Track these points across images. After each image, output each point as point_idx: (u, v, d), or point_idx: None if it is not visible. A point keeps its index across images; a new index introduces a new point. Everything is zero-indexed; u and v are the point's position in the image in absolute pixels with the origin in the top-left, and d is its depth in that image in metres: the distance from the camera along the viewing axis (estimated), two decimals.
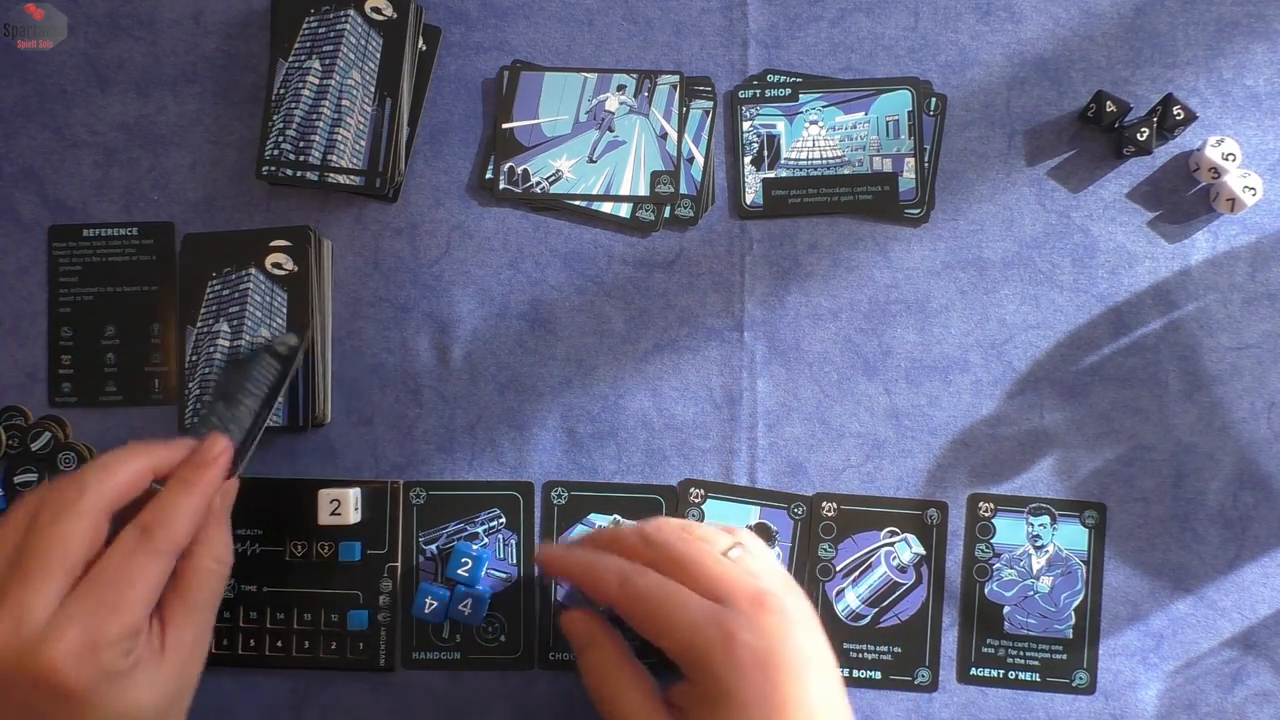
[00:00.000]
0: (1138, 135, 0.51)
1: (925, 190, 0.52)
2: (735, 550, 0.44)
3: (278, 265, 0.52)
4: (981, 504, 0.52)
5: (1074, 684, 0.51)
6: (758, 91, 0.53)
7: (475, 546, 0.51)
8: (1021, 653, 0.51)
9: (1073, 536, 0.52)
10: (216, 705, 0.52)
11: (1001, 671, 0.51)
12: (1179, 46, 0.52)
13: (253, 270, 0.52)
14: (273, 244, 0.52)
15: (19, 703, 0.37)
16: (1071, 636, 0.51)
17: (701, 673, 0.40)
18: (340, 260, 0.53)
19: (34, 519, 0.39)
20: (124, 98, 0.54)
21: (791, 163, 0.53)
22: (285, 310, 0.52)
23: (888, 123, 0.53)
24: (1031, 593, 0.52)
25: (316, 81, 0.51)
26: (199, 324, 0.52)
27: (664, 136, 0.53)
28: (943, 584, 0.52)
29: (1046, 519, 0.52)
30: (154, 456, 0.42)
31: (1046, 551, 0.52)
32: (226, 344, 0.52)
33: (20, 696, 0.37)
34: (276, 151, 0.51)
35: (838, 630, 0.51)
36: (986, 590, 0.52)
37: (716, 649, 0.39)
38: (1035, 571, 0.52)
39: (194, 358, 0.52)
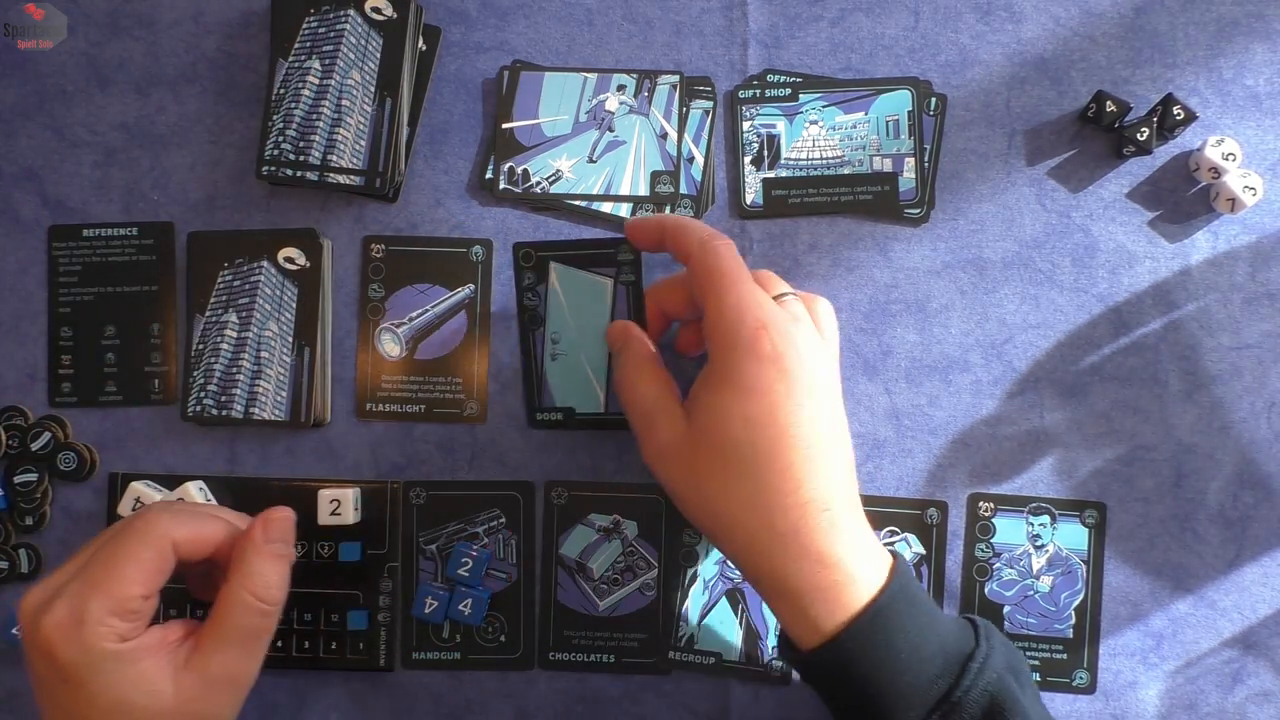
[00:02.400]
0: (1138, 135, 0.51)
1: (925, 190, 0.52)
2: (790, 295, 0.46)
3: (290, 259, 0.52)
4: (981, 504, 0.52)
5: (1074, 684, 0.51)
6: (758, 91, 0.53)
7: (475, 546, 0.51)
8: (1022, 652, 0.51)
9: (1073, 536, 0.52)
10: None
11: None
12: (1179, 46, 0.52)
13: (265, 263, 0.52)
14: (277, 245, 0.52)
15: (38, 676, 0.40)
16: (1071, 636, 0.51)
17: (723, 352, 0.41)
18: (340, 260, 0.53)
19: (114, 536, 0.41)
20: (124, 98, 0.54)
21: (791, 163, 0.53)
22: (295, 304, 0.52)
23: (888, 123, 0.53)
24: (1031, 592, 0.52)
25: (316, 81, 0.51)
26: (208, 313, 0.52)
27: (664, 136, 0.53)
28: (943, 584, 0.52)
29: (1046, 519, 0.52)
30: (232, 530, 0.43)
31: (1046, 551, 0.52)
32: (234, 335, 0.52)
33: (36, 669, 0.40)
34: (276, 151, 0.51)
35: None
36: (986, 590, 0.52)
37: (746, 330, 0.41)
38: (1035, 571, 0.52)
39: (200, 346, 0.52)
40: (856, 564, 0.40)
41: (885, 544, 0.52)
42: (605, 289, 0.52)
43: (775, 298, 0.44)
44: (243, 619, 0.42)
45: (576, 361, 0.51)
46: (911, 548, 0.52)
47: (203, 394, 0.52)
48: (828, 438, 0.41)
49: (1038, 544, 0.52)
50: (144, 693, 0.39)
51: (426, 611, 0.51)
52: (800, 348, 0.41)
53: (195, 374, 0.52)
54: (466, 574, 0.51)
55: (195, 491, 0.50)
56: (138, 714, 0.39)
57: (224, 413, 0.52)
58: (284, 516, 0.44)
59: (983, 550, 0.52)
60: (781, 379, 0.40)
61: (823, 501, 0.40)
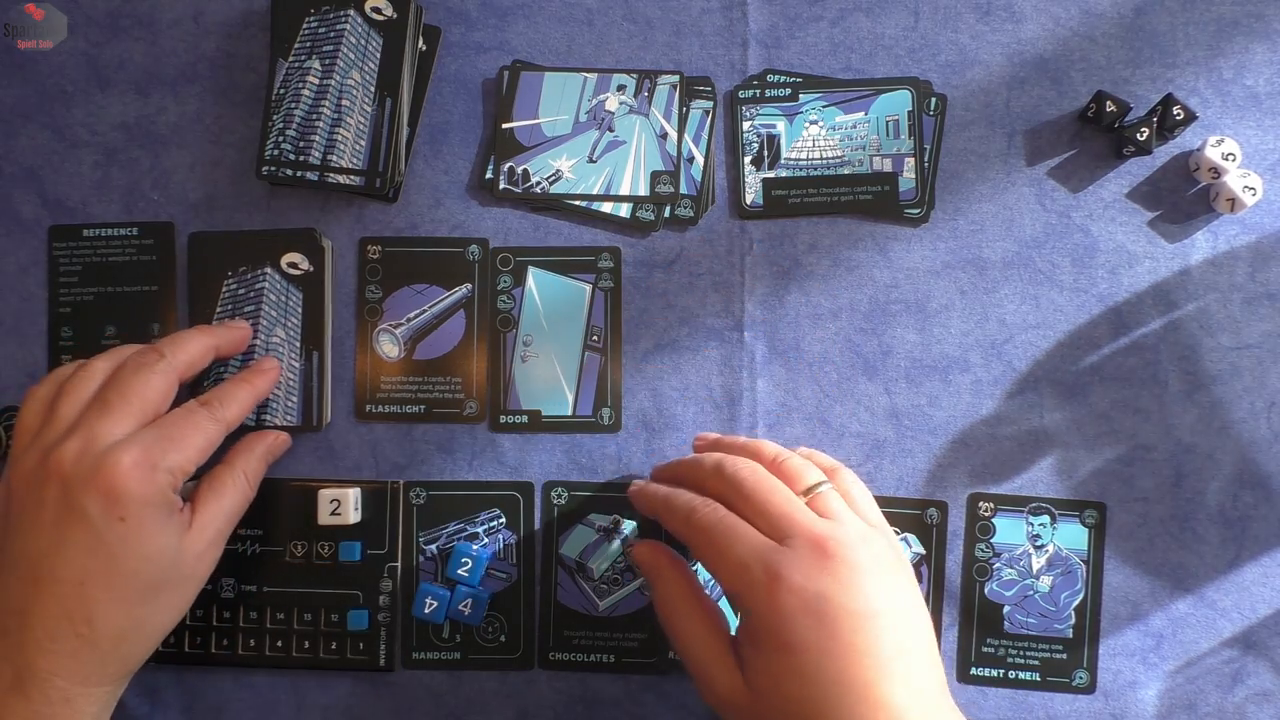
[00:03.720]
0: (1138, 135, 0.51)
1: (925, 190, 0.52)
2: (824, 488, 0.43)
3: (293, 265, 0.52)
4: (981, 504, 0.52)
5: (1074, 684, 0.51)
6: (758, 91, 0.53)
7: (475, 546, 0.51)
8: (1021, 652, 0.51)
9: (1073, 536, 0.52)
10: (216, 705, 0.52)
11: (1001, 671, 0.51)
12: (1179, 46, 0.52)
13: (268, 270, 0.52)
14: (278, 247, 0.52)
15: (82, 510, 0.41)
16: (1071, 636, 0.51)
17: (749, 612, 0.40)
18: (340, 261, 0.53)
19: (117, 370, 0.45)
20: (124, 98, 0.54)
21: (791, 163, 0.53)
22: (300, 310, 0.52)
23: (888, 123, 0.53)
24: (1031, 592, 0.52)
25: (316, 81, 0.51)
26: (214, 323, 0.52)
27: (664, 136, 0.53)
28: (943, 584, 0.52)
29: (1046, 519, 0.52)
30: (217, 337, 0.49)
31: (1046, 551, 0.52)
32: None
33: (84, 502, 0.41)
34: (276, 151, 0.51)
35: None
36: (986, 590, 0.52)
37: (760, 589, 0.39)
38: (1035, 571, 0.52)
39: None
40: None
41: None
42: (584, 294, 0.52)
43: (806, 493, 0.43)
44: (234, 490, 0.47)
45: (548, 364, 0.52)
46: (911, 548, 0.52)
47: None
48: (889, 656, 0.38)
49: (1038, 544, 0.52)
50: (170, 545, 0.43)
51: (426, 611, 0.51)
52: (832, 576, 0.39)
53: (205, 384, 0.52)
54: (466, 574, 0.51)
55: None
56: (161, 561, 0.43)
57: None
58: (285, 441, 0.52)
59: (983, 550, 0.52)
60: (821, 624, 0.38)
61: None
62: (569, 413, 0.52)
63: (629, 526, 0.52)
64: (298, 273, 0.52)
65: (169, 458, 0.43)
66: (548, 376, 0.52)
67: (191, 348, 0.47)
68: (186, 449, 0.44)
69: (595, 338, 0.52)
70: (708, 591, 0.46)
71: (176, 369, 0.46)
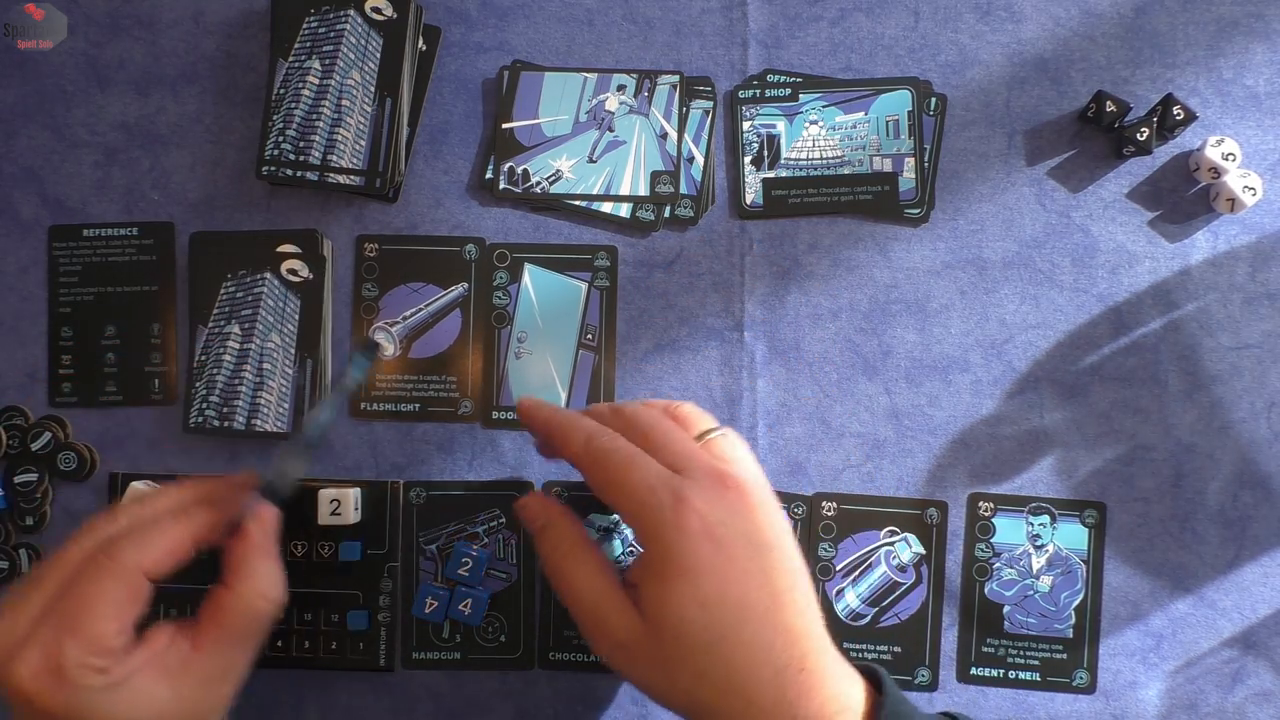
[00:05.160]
0: (1138, 135, 0.51)
1: (925, 190, 0.52)
2: (715, 434, 0.43)
3: (293, 271, 0.52)
4: (981, 503, 0.52)
5: (1074, 684, 0.51)
6: (758, 91, 0.53)
7: (475, 546, 0.51)
8: (1021, 652, 0.51)
9: (1073, 536, 0.52)
10: None
11: (1001, 671, 0.51)
12: (1179, 46, 0.52)
13: (268, 275, 0.52)
14: (281, 249, 0.52)
15: (19, 716, 0.38)
16: (1071, 636, 0.51)
17: (651, 539, 0.39)
18: (340, 260, 0.53)
19: (72, 573, 0.39)
20: (124, 98, 0.54)
21: (791, 163, 0.53)
22: (298, 316, 0.52)
23: (888, 123, 0.53)
24: (1031, 592, 0.52)
25: (316, 81, 0.51)
26: (210, 324, 0.52)
27: (664, 136, 0.53)
28: (943, 584, 0.52)
29: (1046, 518, 0.52)
30: (196, 526, 0.42)
31: (1046, 551, 0.52)
32: (237, 346, 0.52)
33: (21, 714, 0.38)
34: (276, 151, 0.51)
35: (837, 630, 0.51)
36: (986, 590, 0.52)
37: (667, 512, 0.38)
38: (1035, 571, 0.52)
39: (203, 358, 0.52)
40: (840, 705, 0.39)
41: (885, 544, 0.52)
42: (579, 292, 0.52)
43: (700, 436, 0.43)
44: (244, 615, 0.41)
45: (541, 361, 0.52)
46: (911, 548, 0.52)
47: (205, 405, 0.52)
48: (782, 586, 0.39)
49: (1038, 544, 0.52)
50: (142, 709, 0.39)
51: (426, 611, 0.51)
52: (728, 505, 0.39)
53: (198, 385, 0.52)
54: (466, 574, 0.51)
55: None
56: None
57: (226, 424, 0.52)
58: (271, 515, 0.43)
59: (983, 550, 0.52)
60: (720, 549, 0.38)
61: (797, 662, 0.38)
62: None
63: (628, 527, 0.52)
64: (297, 279, 0.52)
65: (69, 651, 0.37)
66: (541, 374, 0.52)
67: (161, 543, 0.40)
68: (92, 627, 0.38)
69: (590, 336, 0.52)
70: None
71: (140, 568, 0.39)
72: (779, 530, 0.41)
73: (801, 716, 0.38)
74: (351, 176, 0.51)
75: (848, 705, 0.39)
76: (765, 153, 0.53)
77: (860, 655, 0.51)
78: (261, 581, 0.42)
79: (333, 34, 0.51)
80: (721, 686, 0.38)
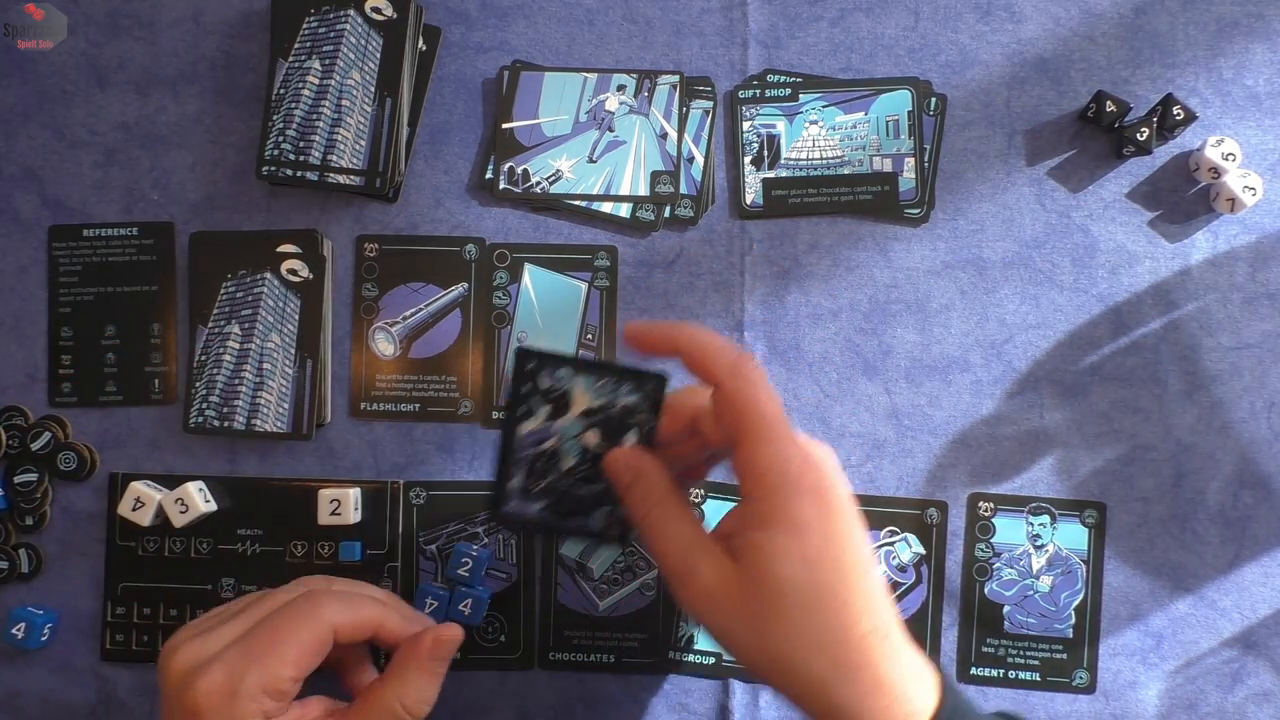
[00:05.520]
0: (1138, 135, 0.51)
1: (925, 190, 0.52)
2: None
3: (293, 271, 0.52)
4: (981, 504, 0.52)
5: (1074, 683, 0.51)
6: (758, 91, 0.53)
7: (475, 547, 0.51)
8: (1021, 652, 0.51)
9: (1073, 536, 0.52)
10: None
11: (1001, 671, 0.51)
12: (1179, 46, 0.52)
13: (268, 275, 0.52)
14: (281, 249, 0.52)
15: None
16: (1071, 636, 0.51)
17: (765, 487, 0.39)
18: (339, 260, 0.53)
19: (277, 611, 0.42)
20: (124, 98, 0.54)
21: (791, 163, 0.53)
22: (298, 317, 0.52)
23: (888, 123, 0.53)
24: (1031, 592, 0.52)
25: (316, 81, 0.51)
26: (210, 324, 0.52)
27: (664, 136, 0.53)
28: (943, 583, 0.52)
29: (1046, 518, 0.52)
30: (389, 617, 0.44)
31: (1046, 551, 0.52)
32: (237, 346, 0.52)
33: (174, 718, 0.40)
34: (276, 151, 0.51)
35: None
36: (986, 590, 0.52)
37: (792, 468, 0.39)
38: (1035, 571, 0.52)
39: (203, 358, 0.52)
40: (917, 688, 0.39)
41: (885, 544, 0.52)
42: (579, 292, 0.52)
43: None
44: (387, 718, 0.42)
45: None
46: (911, 548, 0.52)
47: (205, 405, 0.52)
48: (869, 559, 0.41)
49: (1038, 544, 0.52)
50: None
51: (426, 611, 0.50)
52: (834, 476, 0.41)
53: (197, 385, 0.52)
54: (466, 574, 0.51)
55: (195, 492, 0.50)
56: None
57: (226, 424, 0.52)
58: (454, 637, 0.44)
59: (983, 550, 0.52)
60: (829, 512, 0.39)
61: (882, 629, 0.39)
62: None
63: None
64: (297, 280, 0.52)
65: (249, 678, 0.39)
66: None
67: (360, 614, 0.43)
68: (276, 662, 0.40)
69: (590, 336, 0.52)
70: None
71: (332, 623, 0.42)
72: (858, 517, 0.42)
73: (885, 681, 0.39)
74: (351, 176, 0.51)
75: (919, 679, 0.40)
76: (765, 153, 0.53)
77: None
78: (411, 693, 0.43)
79: (333, 34, 0.51)
80: (810, 645, 0.39)
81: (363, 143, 0.51)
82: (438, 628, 0.44)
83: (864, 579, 0.40)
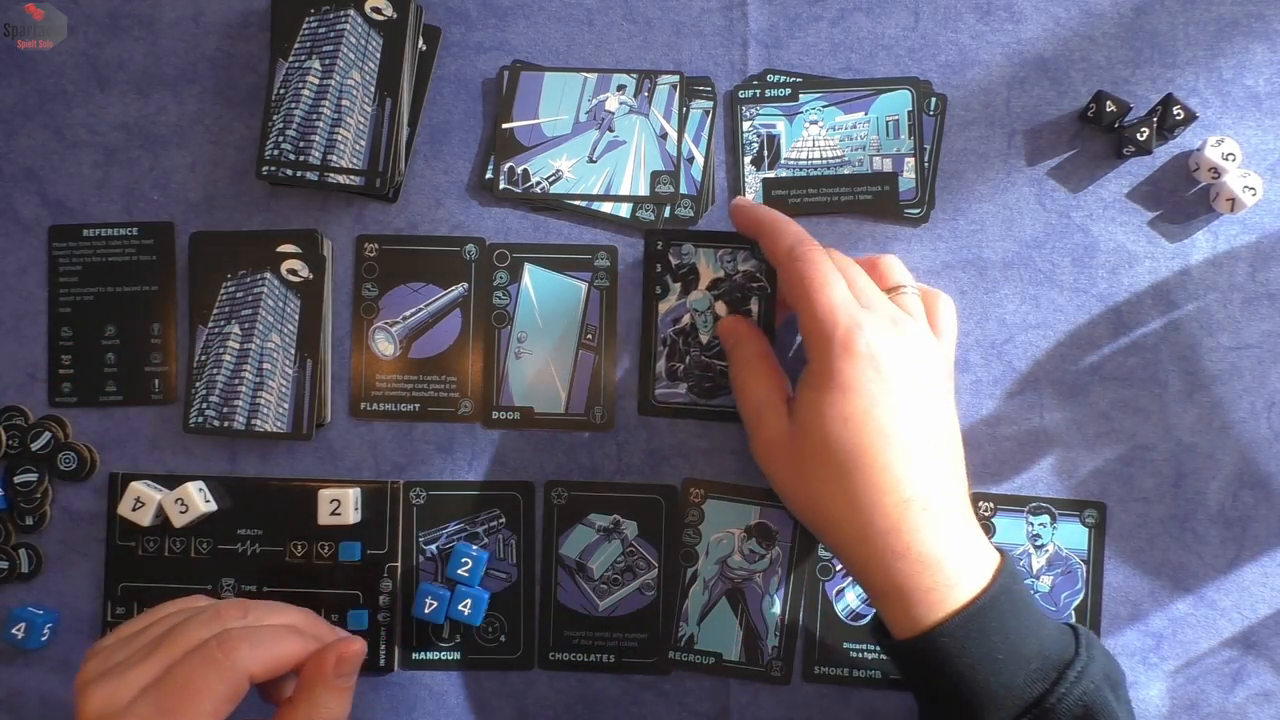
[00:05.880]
0: (1138, 135, 0.51)
1: (925, 190, 0.52)
2: (908, 290, 0.47)
3: (293, 271, 0.52)
4: (981, 503, 0.52)
5: None
6: (758, 91, 0.53)
7: (475, 547, 0.51)
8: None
9: (1073, 536, 0.52)
10: None
11: None
12: (1179, 46, 0.52)
13: (268, 275, 0.52)
14: (281, 249, 0.52)
15: None
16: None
17: (819, 352, 0.43)
18: (339, 260, 0.53)
19: (183, 658, 0.40)
20: (124, 98, 0.54)
21: (791, 163, 0.53)
22: (298, 317, 0.52)
23: (888, 123, 0.53)
24: (1032, 592, 0.51)
25: (316, 81, 0.51)
26: (210, 324, 0.52)
27: (664, 136, 0.53)
28: None
29: (1046, 518, 0.52)
30: (307, 647, 0.42)
31: (1046, 551, 0.52)
32: (237, 346, 0.52)
33: None
34: (276, 151, 0.51)
35: (838, 630, 0.52)
36: None
37: (840, 330, 0.42)
38: (1035, 571, 0.52)
39: (203, 358, 0.52)
40: (959, 563, 0.40)
41: None
42: (579, 292, 0.52)
43: (890, 290, 0.47)
44: None
45: (541, 361, 0.52)
46: None
47: (205, 405, 0.52)
48: (930, 435, 0.42)
49: (1038, 544, 0.52)
50: None
51: (426, 611, 0.50)
52: (899, 345, 0.42)
53: (197, 385, 0.52)
54: (466, 574, 0.51)
55: (195, 492, 0.50)
56: None
57: (226, 424, 0.52)
58: (356, 652, 0.42)
59: None
60: (879, 377, 0.41)
61: (923, 500, 0.40)
62: (561, 410, 0.52)
63: (629, 526, 0.52)
64: (297, 279, 0.52)
65: None
66: (541, 373, 0.52)
67: (274, 652, 0.41)
68: (191, 716, 0.38)
69: (590, 336, 0.52)
70: None
71: (247, 671, 0.40)
72: (942, 394, 0.44)
73: (915, 551, 0.40)
74: (351, 176, 0.51)
75: (969, 557, 0.41)
76: (765, 153, 0.53)
77: (861, 655, 0.51)
78: (318, 711, 0.42)
79: (333, 34, 0.51)
80: (846, 502, 0.41)
81: (363, 143, 0.51)
82: (338, 644, 0.42)
83: (913, 447, 0.41)
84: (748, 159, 0.53)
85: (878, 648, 0.51)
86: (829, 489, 0.42)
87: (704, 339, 0.50)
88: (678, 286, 0.50)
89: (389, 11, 0.51)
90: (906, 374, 0.42)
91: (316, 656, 0.42)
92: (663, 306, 0.50)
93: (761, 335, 0.48)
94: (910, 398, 0.42)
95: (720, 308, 0.49)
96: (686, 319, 0.51)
